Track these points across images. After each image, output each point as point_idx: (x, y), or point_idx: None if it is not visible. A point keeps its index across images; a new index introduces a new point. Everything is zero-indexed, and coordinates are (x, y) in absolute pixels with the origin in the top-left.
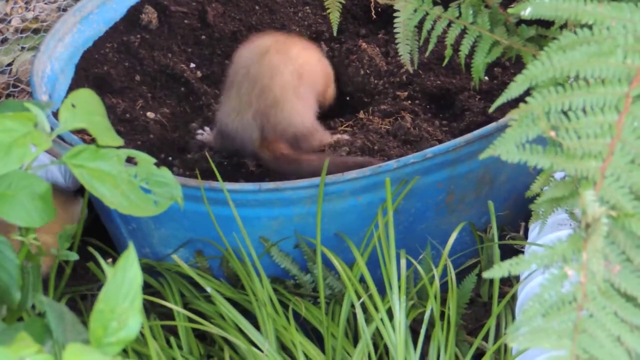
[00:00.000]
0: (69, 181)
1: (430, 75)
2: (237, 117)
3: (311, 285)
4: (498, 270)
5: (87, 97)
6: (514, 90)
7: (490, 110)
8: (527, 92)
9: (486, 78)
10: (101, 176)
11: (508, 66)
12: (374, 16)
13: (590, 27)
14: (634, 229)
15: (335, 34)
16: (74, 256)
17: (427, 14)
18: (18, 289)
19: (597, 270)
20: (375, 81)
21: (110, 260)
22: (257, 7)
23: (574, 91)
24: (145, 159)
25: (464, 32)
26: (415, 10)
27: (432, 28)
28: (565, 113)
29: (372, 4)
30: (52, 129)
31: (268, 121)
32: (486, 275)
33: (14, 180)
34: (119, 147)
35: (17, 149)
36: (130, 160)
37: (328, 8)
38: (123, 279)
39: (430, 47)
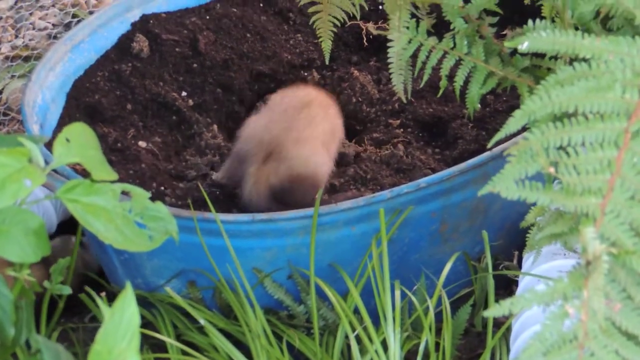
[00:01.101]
0: (59, 212)
1: (423, 103)
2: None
3: (305, 316)
4: (498, 309)
5: (80, 130)
6: (512, 125)
7: (489, 145)
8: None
9: (478, 106)
10: (96, 211)
11: (500, 94)
12: (366, 43)
13: (587, 61)
14: (634, 266)
15: (327, 62)
16: (67, 290)
17: (422, 44)
18: (12, 325)
19: (598, 309)
20: (368, 109)
21: (103, 293)
22: (248, 35)
23: (573, 127)
24: (140, 194)
25: (458, 62)
26: (409, 41)
27: (427, 59)
28: (564, 149)
29: (364, 31)
30: (46, 162)
31: (279, 154)
32: (486, 314)
33: (7, 216)
34: (113, 181)
35: (11, 184)
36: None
37: (320, 36)
38: (121, 319)
39: (425, 77)
